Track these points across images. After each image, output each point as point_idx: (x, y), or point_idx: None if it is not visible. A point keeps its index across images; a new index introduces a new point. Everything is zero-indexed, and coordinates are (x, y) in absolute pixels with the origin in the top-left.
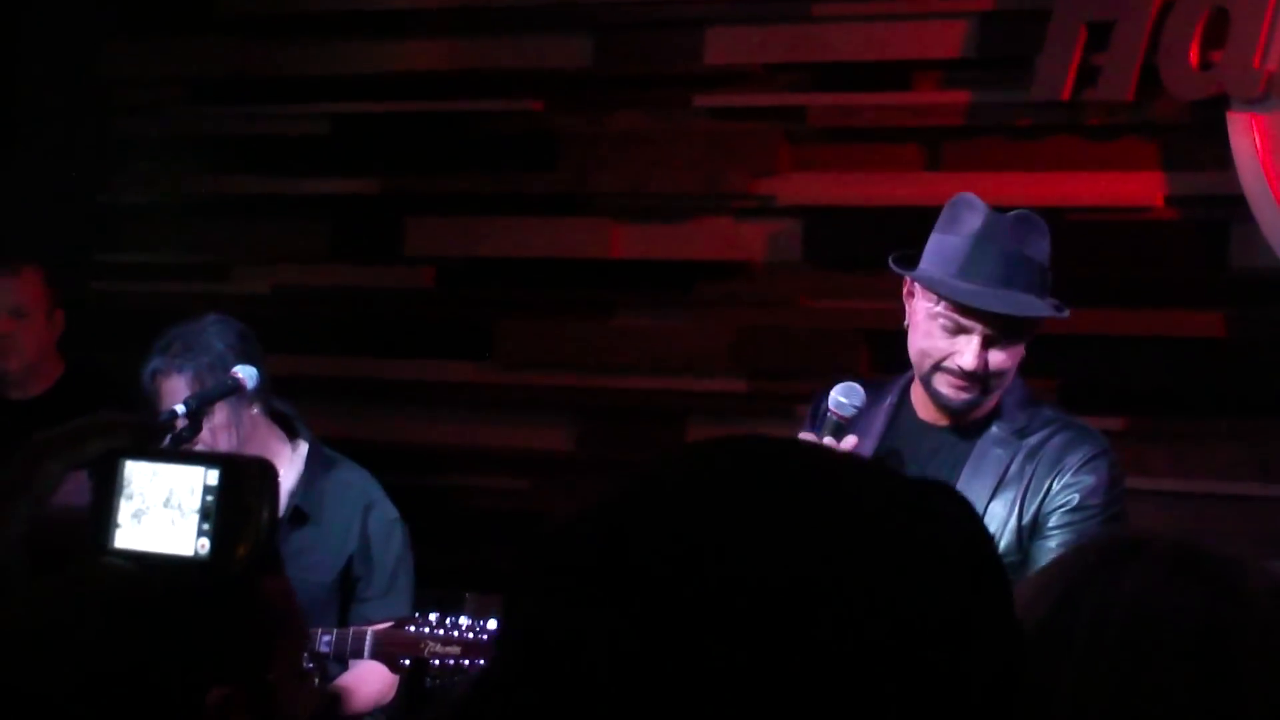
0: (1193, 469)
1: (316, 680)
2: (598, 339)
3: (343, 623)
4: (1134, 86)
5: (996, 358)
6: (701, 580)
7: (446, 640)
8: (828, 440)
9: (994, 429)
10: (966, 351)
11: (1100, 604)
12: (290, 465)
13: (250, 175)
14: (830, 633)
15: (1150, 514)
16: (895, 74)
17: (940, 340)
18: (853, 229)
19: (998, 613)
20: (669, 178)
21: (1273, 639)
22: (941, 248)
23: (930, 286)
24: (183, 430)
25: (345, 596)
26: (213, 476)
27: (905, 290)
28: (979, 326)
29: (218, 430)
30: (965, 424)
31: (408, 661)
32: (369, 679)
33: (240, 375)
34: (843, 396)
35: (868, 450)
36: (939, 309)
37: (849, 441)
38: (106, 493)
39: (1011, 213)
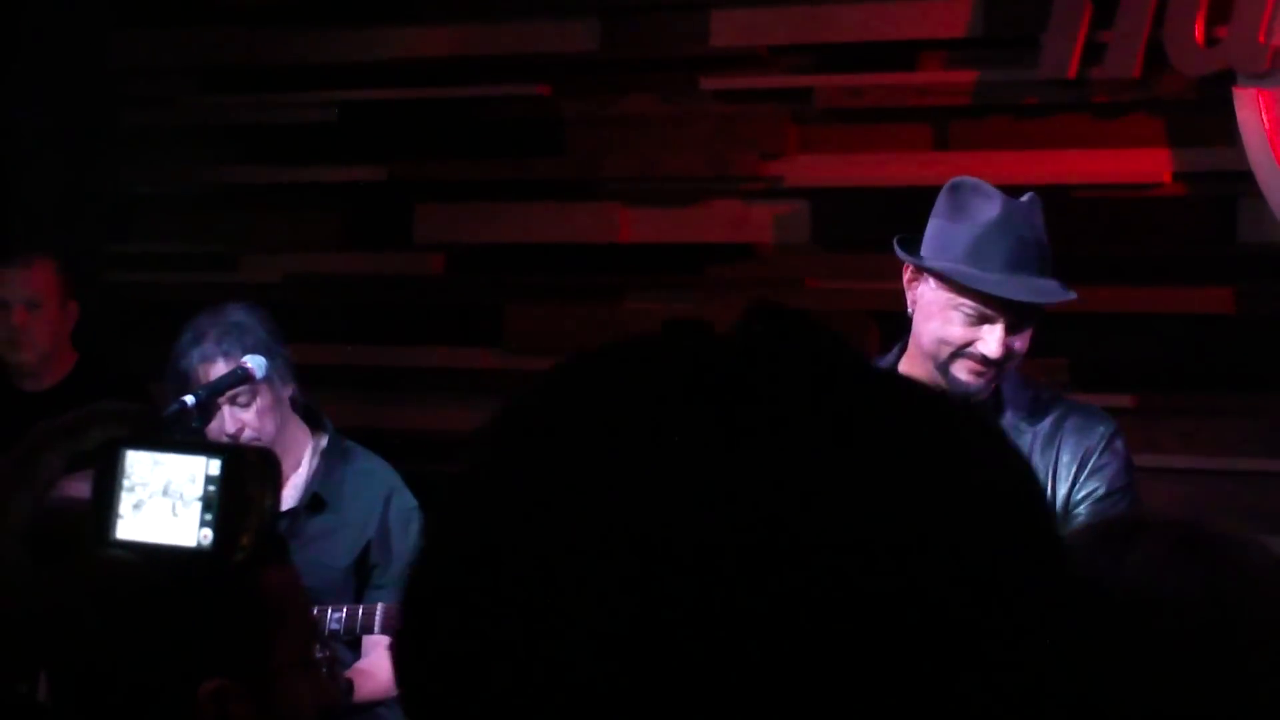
0: (1203, 446)
1: (327, 670)
2: (608, 323)
3: None
4: (1140, 63)
5: (1015, 342)
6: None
7: None
8: None
9: (1006, 417)
10: (990, 339)
11: (1103, 584)
12: (312, 454)
13: (259, 164)
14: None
15: (1161, 491)
16: (901, 54)
17: (960, 329)
18: (861, 210)
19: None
20: (677, 161)
21: (1275, 615)
22: (954, 235)
23: (956, 279)
24: (194, 421)
25: (361, 582)
26: (214, 466)
27: (908, 276)
28: (1002, 315)
29: (263, 414)
30: None
31: None
32: (383, 664)
33: (249, 365)
34: None
35: None
36: (961, 300)
37: None
38: (108, 483)
39: (1023, 197)
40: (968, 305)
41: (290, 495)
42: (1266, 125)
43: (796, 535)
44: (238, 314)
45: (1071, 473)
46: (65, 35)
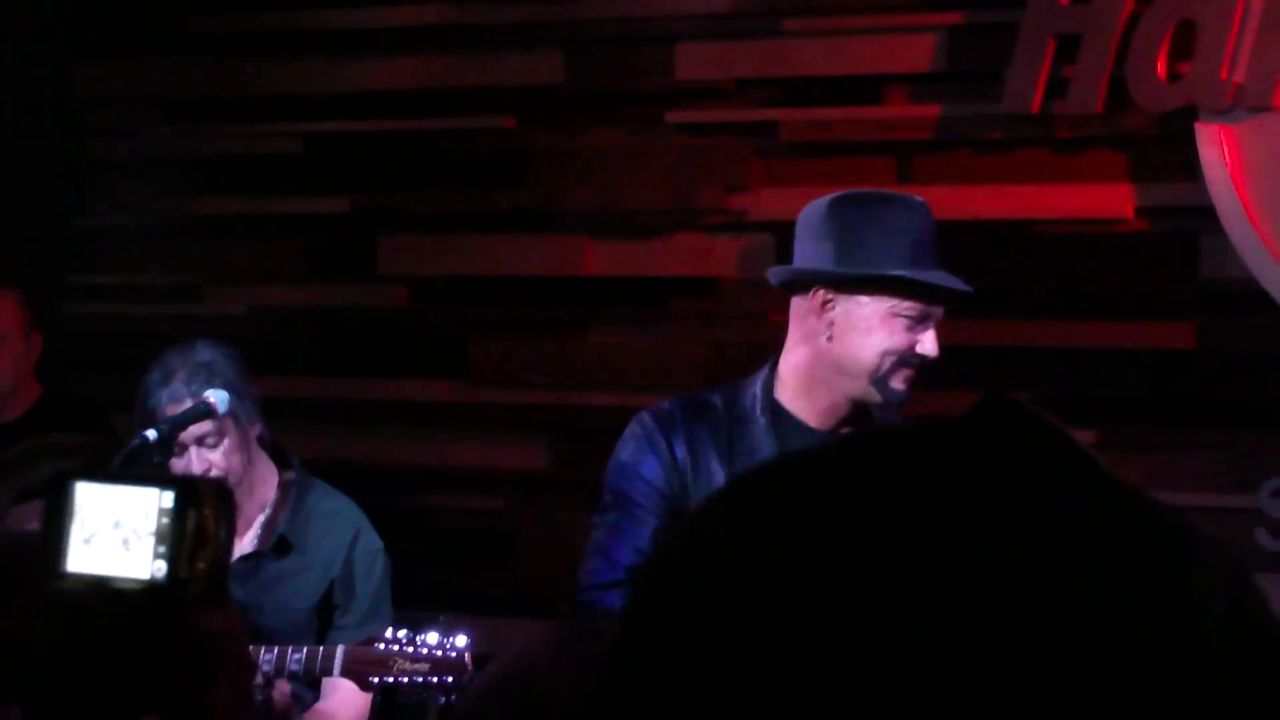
0: (1166, 481)
1: (262, 714)
2: (573, 356)
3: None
4: (1103, 99)
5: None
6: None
7: (415, 658)
8: None
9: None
10: (928, 340)
11: None
12: (279, 492)
13: (223, 195)
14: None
15: None
16: (865, 88)
17: (904, 335)
18: None
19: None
20: (641, 194)
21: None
22: (879, 244)
23: (927, 281)
24: (155, 457)
25: (323, 622)
26: (168, 499)
27: (819, 302)
28: (937, 311)
29: (230, 454)
30: (847, 425)
31: (377, 680)
32: (343, 705)
33: (212, 399)
34: None
35: None
36: (905, 305)
37: None
38: (58, 516)
39: (894, 194)
40: (912, 309)
41: (257, 536)
42: (1229, 161)
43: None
44: (206, 352)
45: None
46: (30, 66)
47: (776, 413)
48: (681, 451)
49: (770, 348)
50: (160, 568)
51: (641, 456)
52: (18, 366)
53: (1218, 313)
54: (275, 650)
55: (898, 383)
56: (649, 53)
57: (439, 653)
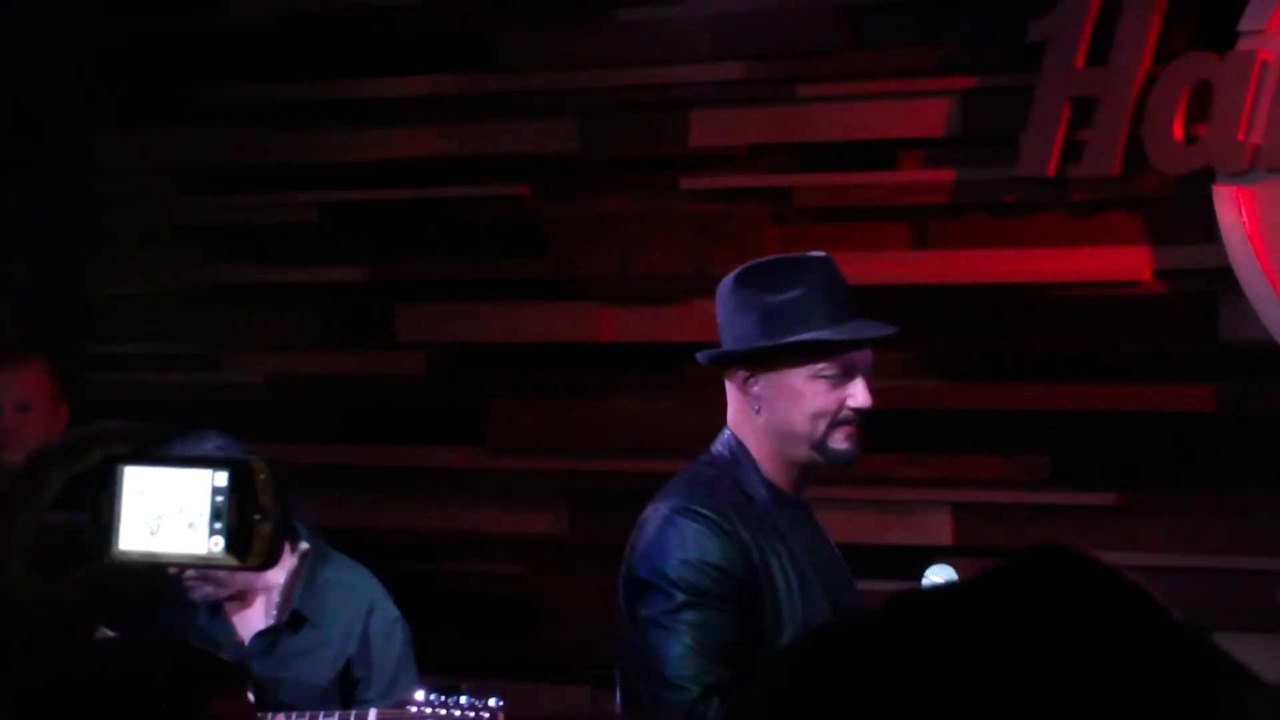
0: (1186, 543)
1: None
2: (590, 422)
3: None
4: (1119, 161)
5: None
6: None
7: (449, 719)
8: None
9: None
10: (859, 391)
11: None
12: (290, 568)
13: (240, 264)
14: None
15: None
16: (880, 153)
17: (830, 396)
18: None
19: None
20: (657, 260)
21: None
22: (792, 310)
23: (845, 337)
24: None
25: (346, 697)
26: (221, 478)
27: (740, 380)
28: (863, 363)
29: None
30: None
31: None
32: None
33: None
34: (938, 576)
35: (820, 558)
36: (822, 365)
37: None
38: (109, 500)
39: (795, 256)
40: (830, 368)
41: (271, 612)
42: (1246, 223)
43: None
44: (214, 443)
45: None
46: (47, 136)
47: (769, 487)
48: (748, 536)
49: None
50: (217, 543)
51: (712, 547)
52: (45, 436)
53: (1237, 374)
54: (307, 715)
55: (839, 442)
56: (663, 120)
57: (471, 713)
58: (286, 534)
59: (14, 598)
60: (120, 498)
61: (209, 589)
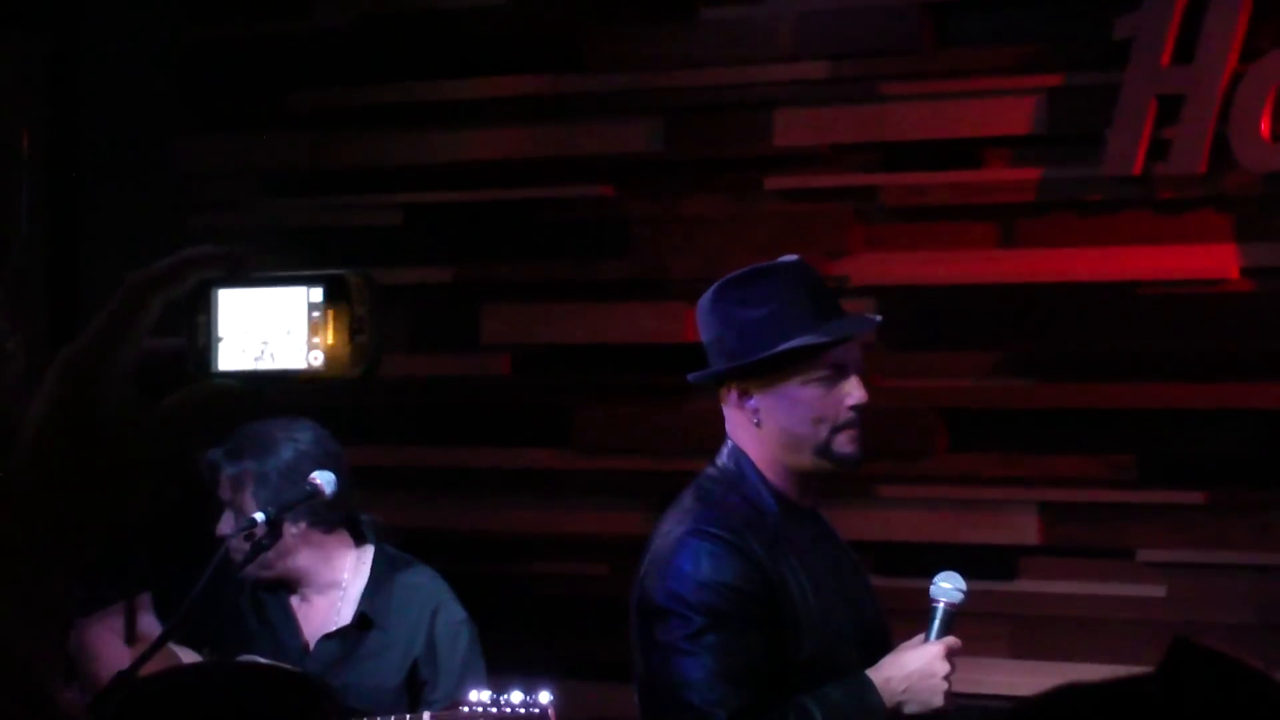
0: (1275, 541)
1: None
2: (674, 423)
3: None
4: (1205, 159)
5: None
6: None
7: (500, 717)
8: (949, 639)
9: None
10: (854, 388)
11: None
12: (356, 571)
13: (324, 268)
14: None
15: (1233, 588)
16: (965, 152)
17: (827, 399)
18: (927, 308)
19: None
20: (741, 260)
21: None
22: (776, 319)
23: (808, 346)
24: (262, 539)
25: (413, 699)
26: (316, 294)
27: (735, 396)
28: (852, 359)
29: (297, 540)
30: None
31: None
32: None
33: (318, 480)
34: (947, 583)
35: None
36: (814, 369)
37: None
38: (206, 323)
39: (768, 265)
40: (822, 370)
41: (339, 614)
42: None
43: None
44: (278, 431)
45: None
46: (130, 141)
47: (778, 497)
48: (762, 552)
49: (873, 412)
50: (316, 357)
51: (729, 569)
52: None
53: None
54: None
55: (842, 446)
56: (747, 119)
57: (523, 710)
58: (383, 346)
59: (119, 424)
60: (216, 320)
61: (252, 569)
